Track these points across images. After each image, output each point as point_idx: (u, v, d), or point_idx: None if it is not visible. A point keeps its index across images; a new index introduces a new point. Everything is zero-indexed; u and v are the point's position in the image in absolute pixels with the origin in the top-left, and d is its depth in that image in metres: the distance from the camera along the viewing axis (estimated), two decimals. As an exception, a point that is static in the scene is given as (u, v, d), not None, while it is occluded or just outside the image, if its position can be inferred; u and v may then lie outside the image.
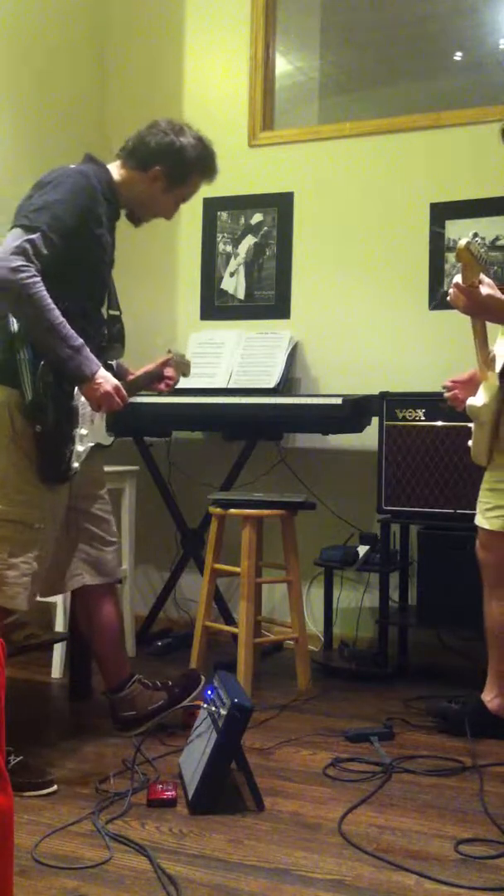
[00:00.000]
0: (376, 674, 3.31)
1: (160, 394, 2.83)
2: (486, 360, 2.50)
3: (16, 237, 2.23)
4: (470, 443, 2.64)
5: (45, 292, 2.22)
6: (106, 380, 2.38)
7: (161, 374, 2.74)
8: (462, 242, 2.20)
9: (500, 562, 2.64)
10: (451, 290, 2.36)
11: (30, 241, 2.22)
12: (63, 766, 2.41)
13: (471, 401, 2.54)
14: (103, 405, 2.40)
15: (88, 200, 2.36)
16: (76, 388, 2.40)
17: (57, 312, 2.25)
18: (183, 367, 2.78)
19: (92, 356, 2.35)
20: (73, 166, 2.42)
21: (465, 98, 3.82)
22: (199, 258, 4.14)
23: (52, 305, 2.24)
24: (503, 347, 2.54)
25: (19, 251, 2.20)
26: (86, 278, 2.41)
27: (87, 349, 2.33)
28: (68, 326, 2.28)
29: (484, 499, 2.67)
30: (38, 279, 2.21)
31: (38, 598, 2.48)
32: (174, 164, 2.52)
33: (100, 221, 2.41)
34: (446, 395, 2.70)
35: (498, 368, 2.50)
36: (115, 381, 2.42)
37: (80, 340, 2.31)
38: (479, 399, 2.52)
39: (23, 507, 2.35)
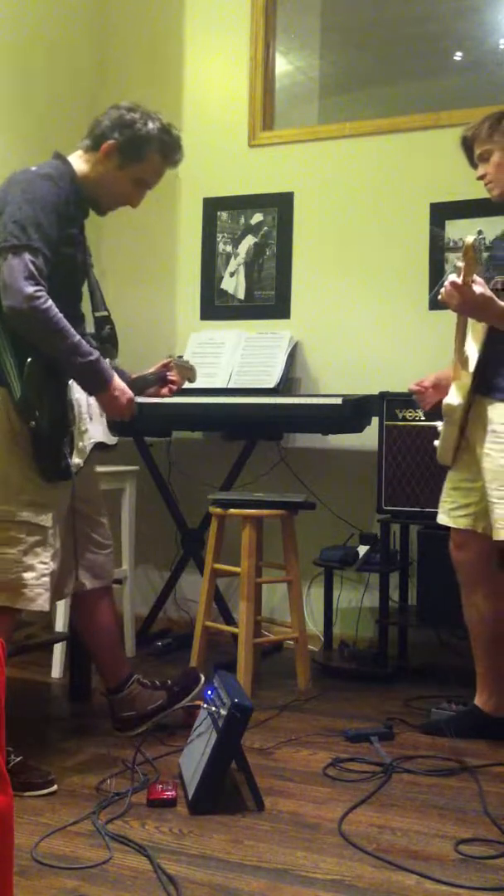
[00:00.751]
0: (376, 674, 3.31)
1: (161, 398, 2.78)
2: (462, 359, 2.52)
3: (15, 260, 2.20)
4: (436, 442, 2.67)
5: (59, 314, 2.24)
6: (122, 391, 2.43)
7: (164, 377, 2.69)
8: (469, 240, 2.22)
9: (474, 559, 2.65)
10: (444, 288, 2.37)
11: (34, 262, 2.22)
12: (63, 766, 2.41)
13: (447, 399, 2.56)
14: (115, 414, 2.47)
15: (59, 202, 2.34)
16: (70, 382, 2.42)
17: (71, 329, 2.28)
18: (188, 373, 2.72)
19: (106, 365, 2.40)
20: (34, 169, 2.37)
21: (465, 98, 3.82)
22: (199, 258, 4.14)
23: (67, 324, 2.26)
24: (474, 347, 2.56)
25: (29, 275, 2.20)
26: (58, 276, 2.36)
27: (102, 360, 2.38)
28: (83, 341, 2.32)
29: (448, 498, 2.70)
30: (52, 302, 2.23)
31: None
32: (126, 136, 2.44)
33: (69, 221, 2.39)
34: (416, 397, 2.77)
35: (471, 368, 2.52)
36: (130, 394, 2.46)
37: (96, 353, 2.36)
38: (455, 398, 2.55)
39: (28, 508, 2.34)
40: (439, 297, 2.41)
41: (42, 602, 2.33)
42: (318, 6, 4.28)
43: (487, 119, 2.59)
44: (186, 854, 1.94)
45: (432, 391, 2.72)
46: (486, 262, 2.71)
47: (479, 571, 2.65)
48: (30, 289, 2.19)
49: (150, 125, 2.47)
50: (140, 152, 2.47)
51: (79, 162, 2.48)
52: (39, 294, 2.20)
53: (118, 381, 2.43)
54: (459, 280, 2.30)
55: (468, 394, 2.54)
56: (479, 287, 2.33)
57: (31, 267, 2.21)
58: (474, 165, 2.67)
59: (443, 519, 2.71)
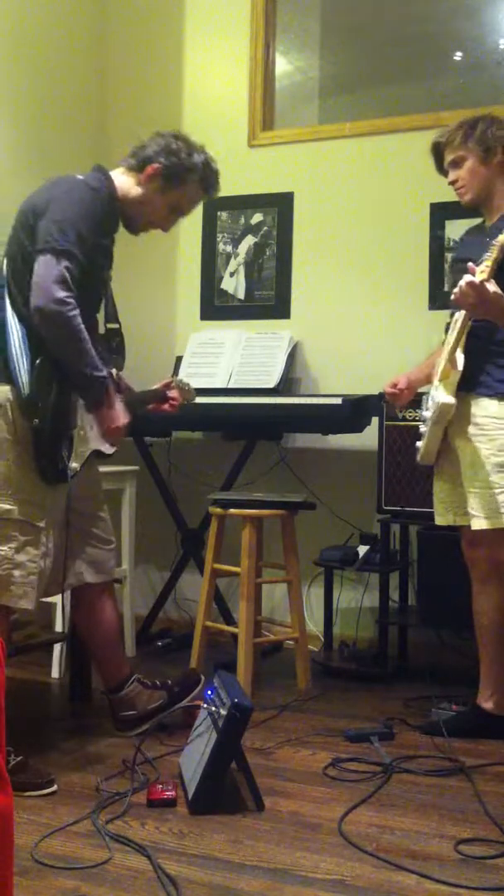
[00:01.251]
0: (376, 674, 3.31)
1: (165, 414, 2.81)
2: (454, 358, 2.55)
3: (52, 263, 2.23)
4: (419, 443, 2.69)
5: (82, 324, 2.27)
6: (118, 413, 2.47)
7: (165, 395, 2.74)
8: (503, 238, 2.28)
9: (487, 556, 2.65)
10: (458, 288, 2.39)
11: (67, 268, 2.25)
12: (63, 766, 2.41)
13: (443, 399, 2.58)
14: (107, 432, 2.49)
15: (100, 214, 2.39)
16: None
17: (90, 343, 2.31)
18: (187, 395, 2.80)
19: (111, 386, 2.44)
20: (80, 177, 2.43)
21: (465, 98, 3.82)
22: (199, 258, 4.14)
23: (86, 335, 2.30)
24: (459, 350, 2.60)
25: (61, 280, 2.23)
26: (87, 284, 2.40)
27: (109, 379, 2.42)
28: (95, 355, 2.35)
29: (448, 499, 2.73)
30: (78, 311, 2.26)
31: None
32: (170, 162, 2.51)
33: (104, 232, 2.44)
34: (390, 399, 2.82)
35: (460, 367, 2.54)
36: (126, 419, 2.49)
37: (105, 370, 2.40)
38: (449, 398, 2.57)
39: (25, 506, 2.35)
40: (452, 297, 2.44)
41: (28, 601, 2.35)
42: (318, 6, 4.28)
43: (461, 126, 2.66)
44: (186, 854, 1.94)
45: (407, 392, 2.79)
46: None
47: (493, 565, 2.66)
48: (60, 293, 2.22)
49: (195, 157, 2.54)
50: (182, 179, 2.54)
51: (120, 179, 2.53)
52: (69, 300, 2.24)
53: (117, 407, 2.46)
54: (477, 279, 2.33)
55: (454, 392, 2.59)
56: (492, 286, 2.37)
57: (66, 273, 2.24)
58: (443, 171, 2.74)
59: (447, 520, 2.74)
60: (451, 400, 2.57)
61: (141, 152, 2.54)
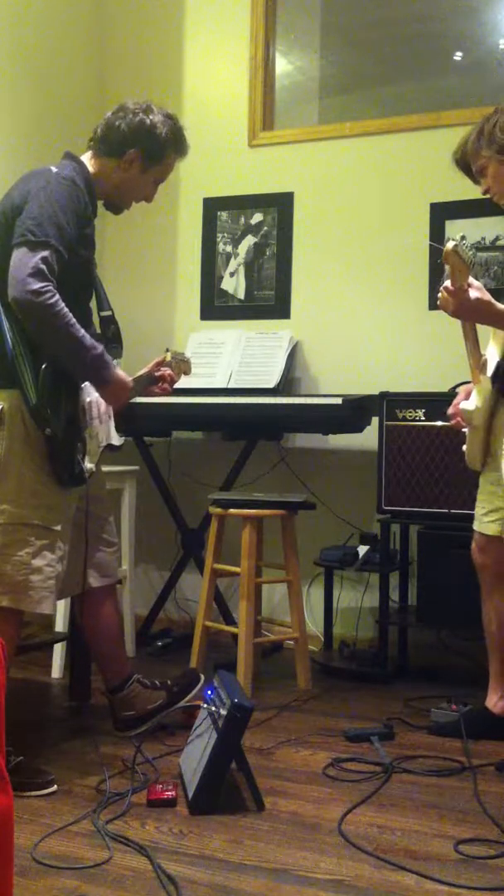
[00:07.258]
0: (376, 674, 3.31)
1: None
2: (478, 363, 2.50)
3: (27, 255, 2.20)
4: (465, 447, 2.65)
5: (66, 309, 2.24)
6: (123, 381, 2.47)
7: (154, 377, 2.65)
8: (449, 245, 2.18)
9: (496, 564, 2.64)
10: (439, 294, 2.35)
11: (44, 258, 2.21)
12: (63, 766, 2.41)
13: (464, 405, 2.53)
14: (117, 404, 2.52)
15: (80, 205, 2.36)
16: (81, 387, 2.43)
17: (77, 325, 2.28)
18: (184, 366, 2.74)
19: (109, 358, 2.42)
20: (54, 169, 2.39)
21: (465, 98, 3.82)
22: (199, 258, 4.14)
23: (73, 320, 2.26)
24: (494, 350, 2.55)
25: (37, 272, 2.19)
26: (75, 277, 2.39)
27: (106, 353, 2.39)
28: (87, 335, 2.32)
29: (479, 503, 2.67)
30: (58, 297, 2.22)
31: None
32: (149, 143, 2.50)
33: (85, 221, 2.41)
34: (454, 422, 2.66)
35: (490, 372, 2.51)
36: (129, 381, 2.49)
37: (100, 347, 2.37)
38: (472, 403, 2.51)
39: (41, 511, 2.34)
40: (438, 302, 2.40)
41: (47, 605, 2.34)
42: (318, 6, 4.28)
43: (473, 133, 2.57)
44: (186, 854, 1.94)
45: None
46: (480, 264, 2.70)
47: (499, 574, 2.64)
48: (34, 285, 2.18)
49: (167, 127, 2.53)
50: (161, 155, 2.54)
51: (93, 164, 2.51)
52: (45, 290, 2.19)
53: (119, 372, 2.46)
54: (451, 286, 2.28)
55: (489, 398, 2.51)
56: (476, 291, 2.31)
57: (42, 264, 2.20)
58: (477, 182, 2.64)
59: (475, 524, 2.67)
60: (470, 406, 2.50)
61: (112, 136, 2.50)
